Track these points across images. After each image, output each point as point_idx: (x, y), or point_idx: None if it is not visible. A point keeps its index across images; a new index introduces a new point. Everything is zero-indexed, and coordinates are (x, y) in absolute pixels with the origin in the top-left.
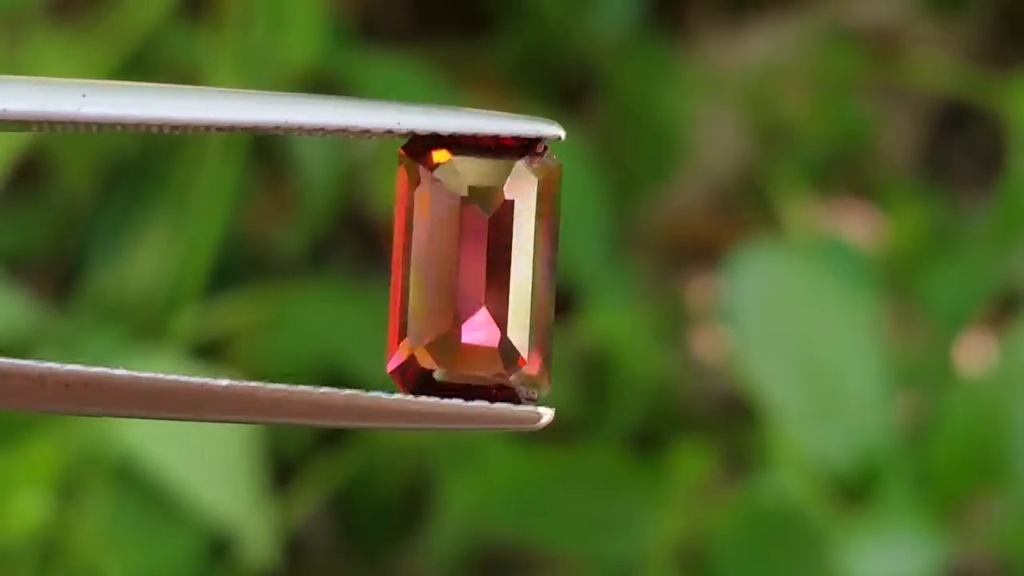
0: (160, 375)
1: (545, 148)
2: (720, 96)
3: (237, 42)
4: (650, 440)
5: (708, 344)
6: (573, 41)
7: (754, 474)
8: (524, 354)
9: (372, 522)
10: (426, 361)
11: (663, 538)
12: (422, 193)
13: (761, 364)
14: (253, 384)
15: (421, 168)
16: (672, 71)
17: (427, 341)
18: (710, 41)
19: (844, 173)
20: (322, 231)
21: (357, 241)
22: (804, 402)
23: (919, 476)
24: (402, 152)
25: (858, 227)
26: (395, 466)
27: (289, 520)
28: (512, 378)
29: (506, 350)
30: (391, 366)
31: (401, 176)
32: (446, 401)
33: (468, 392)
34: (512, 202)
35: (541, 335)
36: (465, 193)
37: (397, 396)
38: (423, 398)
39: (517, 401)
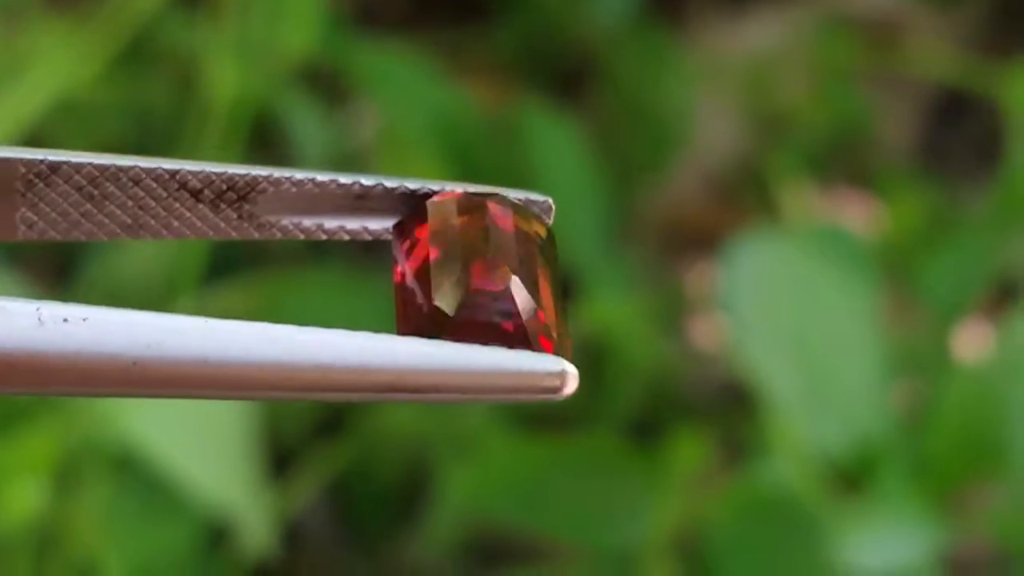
0: (158, 315)
1: None
2: (718, 85)
3: (235, 32)
4: (648, 428)
5: (706, 332)
6: (571, 30)
7: (752, 462)
8: (538, 304)
9: (370, 510)
10: (438, 309)
11: (661, 525)
12: (420, 218)
13: (759, 352)
14: (257, 324)
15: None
16: (670, 59)
17: (439, 290)
18: (708, 30)
19: (842, 161)
20: None
21: None
22: (802, 390)
23: (916, 464)
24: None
25: (856, 215)
26: (393, 454)
27: (287, 509)
28: (530, 322)
29: (520, 295)
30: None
31: (397, 232)
32: (461, 346)
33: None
34: (507, 220)
35: (555, 307)
36: (461, 208)
37: (410, 338)
38: (437, 342)
39: (535, 350)
